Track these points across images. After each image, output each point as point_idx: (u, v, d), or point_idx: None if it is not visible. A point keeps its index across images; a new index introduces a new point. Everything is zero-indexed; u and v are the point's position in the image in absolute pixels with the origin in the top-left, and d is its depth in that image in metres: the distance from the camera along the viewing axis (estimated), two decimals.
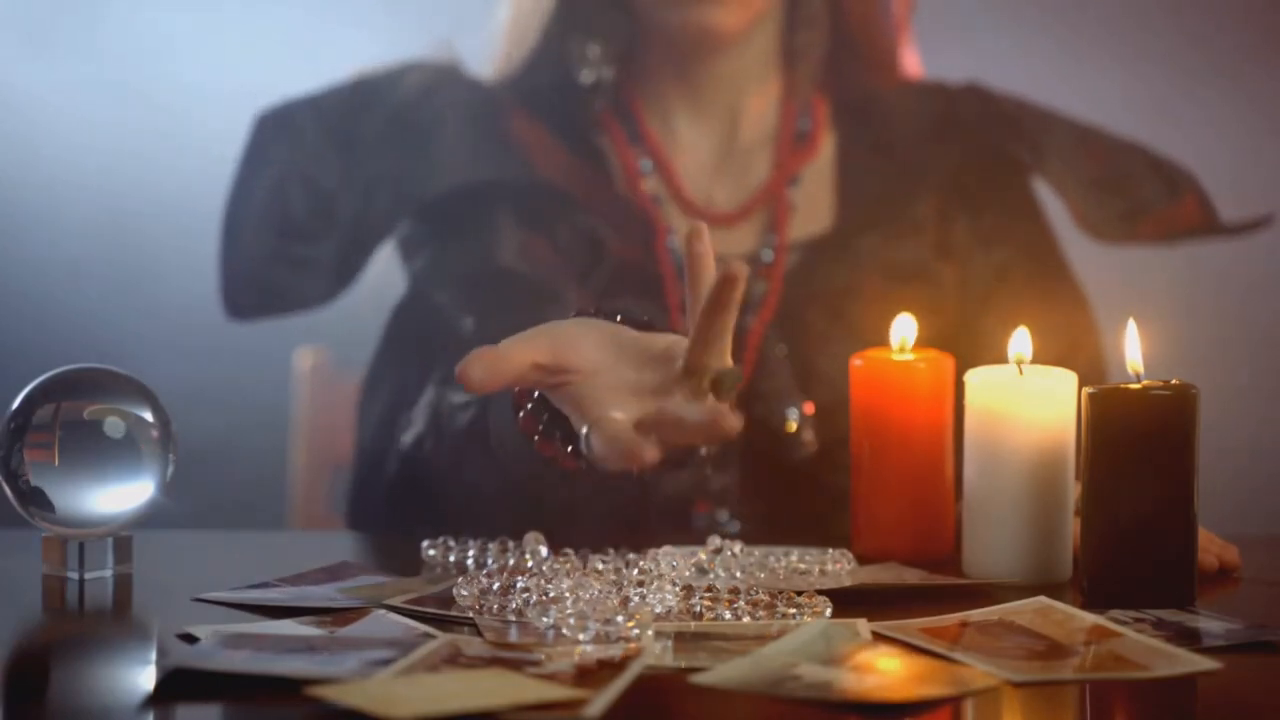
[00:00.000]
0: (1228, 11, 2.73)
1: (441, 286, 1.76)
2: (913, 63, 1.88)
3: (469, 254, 1.77)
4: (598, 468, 1.25)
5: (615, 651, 1.12)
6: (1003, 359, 1.40)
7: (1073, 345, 1.76)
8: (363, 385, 1.83)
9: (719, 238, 1.80)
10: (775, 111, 1.84)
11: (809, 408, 1.73)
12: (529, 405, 1.33)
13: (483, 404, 1.52)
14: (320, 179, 1.79)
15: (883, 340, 1.48)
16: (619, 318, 1.30)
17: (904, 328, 1.47)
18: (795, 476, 1.73)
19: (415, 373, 1.72)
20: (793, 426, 1.73)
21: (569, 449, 1.31)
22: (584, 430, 1.23)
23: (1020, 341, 1.39)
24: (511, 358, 1.23)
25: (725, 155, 1.83)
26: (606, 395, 1.24)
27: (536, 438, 1.33)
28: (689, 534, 1.39)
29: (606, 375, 1.25)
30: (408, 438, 1.67)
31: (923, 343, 1.49)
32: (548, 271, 1.75)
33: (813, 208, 1.82)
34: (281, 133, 1.81)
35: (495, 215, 1.77)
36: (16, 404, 1.33)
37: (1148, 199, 1.81)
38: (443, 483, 1.63)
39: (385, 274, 1.86)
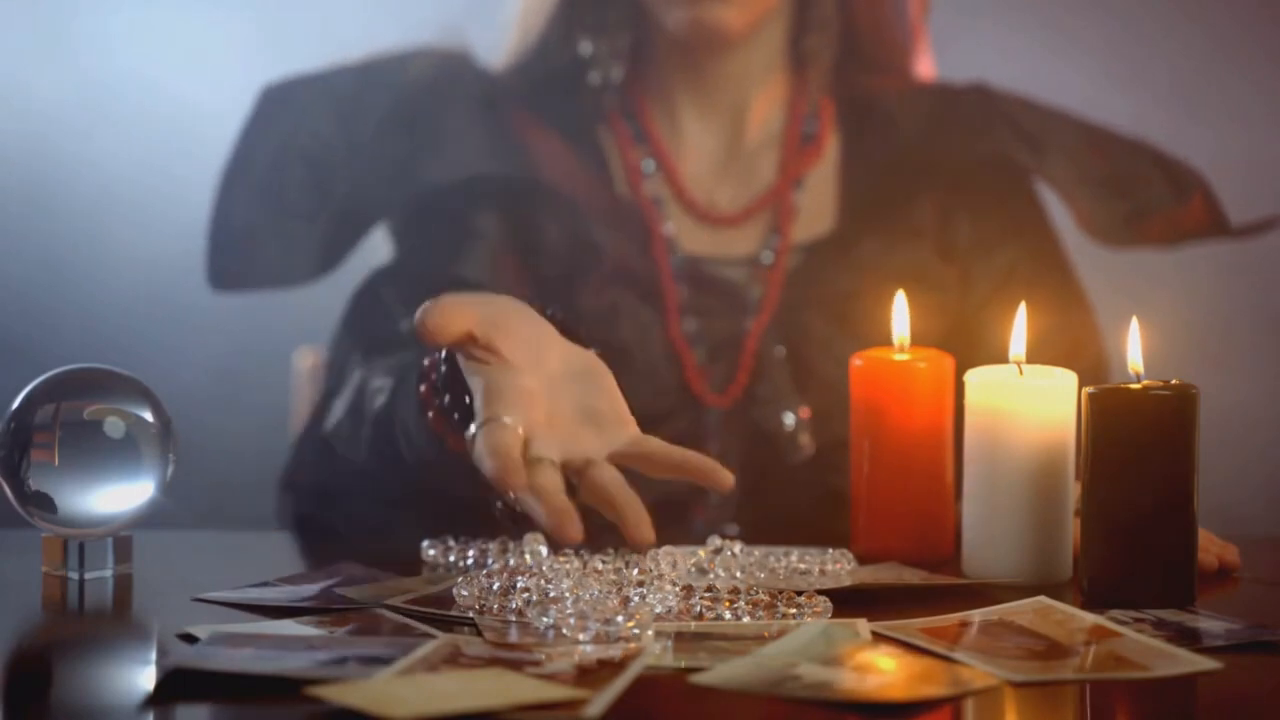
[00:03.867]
0: (1237, 9, 2.73)
1: (392, 283, 1.76)
2: (926, 65, 1.88)
3: (433, 255, 1.76)
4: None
5: (615, 651, 1.12)
6: (1005, 360, 1.40)
7: (1075, 347, 1.76)
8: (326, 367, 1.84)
9: (721, 239, 1.80)
10: (781, 113, 1.83)
11: (805, 412, 1.73)
12: (433, 378, 1.36)
13: (392, 389, 1.53)
14: (319, 156, 1.79)
15: (884, 344, 1.48)
16: (549, 313, 1.32)
17: (900, 310, 1.47)
18: (793, 480, 1.73)
19: (354, 358, 1.72)
20: (789, 429, 1.73)
21: (461, 428, 1.33)
22: (475, 425, 1.24)
23: (1019, 323, 1.39)
24: (458, 316, 1.26)
25: (731, 156, 1.82)
26: (509, 394, 1.25)
27: (431, 413, 1.36)
28: (688, 537, 1.40)
29: (519, 374, 1.26)
30: (329, 423, 1.66)
31: (925, 346, 1.48)
32: (508, 291, 1.74)
33: (816, 210, 1.81)
34: (285, 106, 1.81)
35: (484, 218, 1.76)
36: (16, 404, 1.33)
37: (1154, 200, 1.81)
38: (352, 474, 1.62)
39: None
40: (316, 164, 1.79)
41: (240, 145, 1.81)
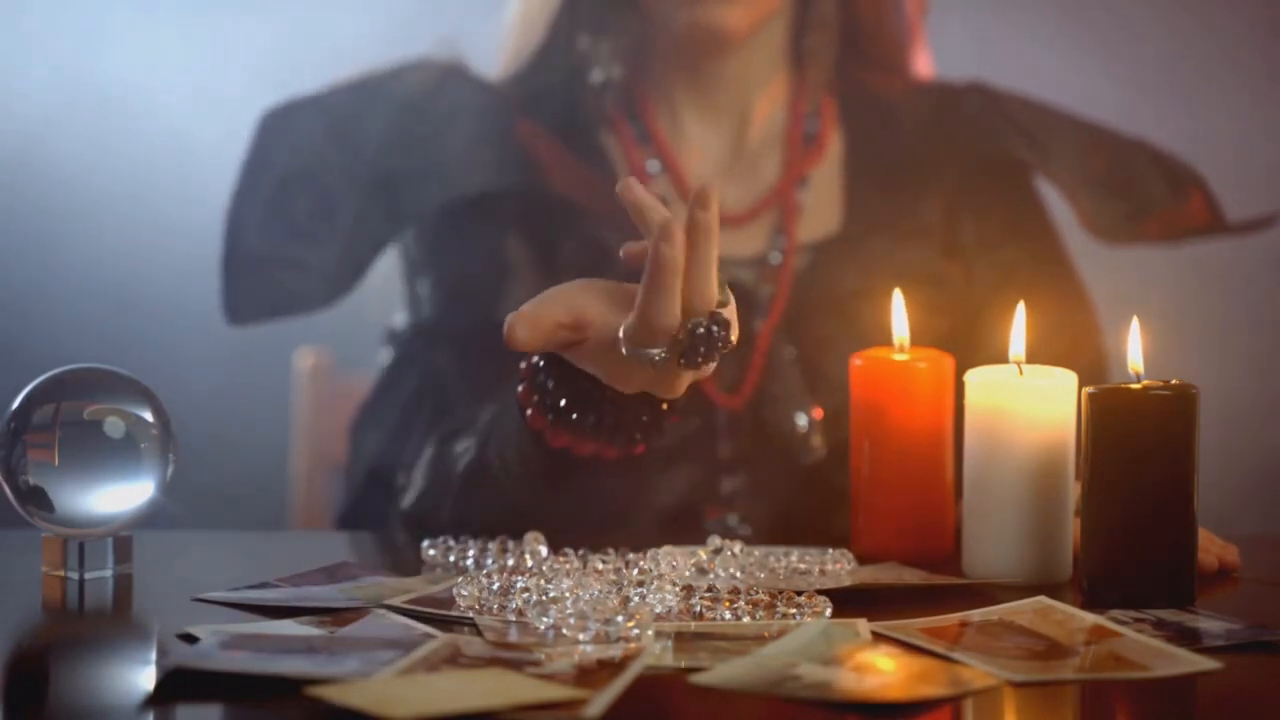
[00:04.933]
0: (1235, 6, 2.73)
1: (445, 343, 1.76)
2: (924, 63, 1.88)
3: (477, 306, 1.75)
4: (615, 427, 1.32)
5: (615, 651, 1.12)
6: (1007, 359, 1.40)
7: (1074, 345, 1.76)
8: (358, 416, 1.82)
9: (728, 240, 1.80)
10: (783, 112, 1.83)
11: (818, 413, 1.73)
12: (535, 398, 1.38)
13: (480, 440, 1.54)
14: (323, 180, 1.78)
15: (890, 343, 1.48)
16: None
17: (898, 309, 1.47)
18: (805, 480, 1.73)
19: (411, 428, 1.73)
20: (802, 430, 1.73)
21: (583, 426, 1.36)
22: (620, 334, 1.28)
23: (1018, 321, 1.39)
24: (545, 316, 1.29)
25: (734, 156, 1.82)
26: (620, 319, 1.29)
27: (530, 410, 1.38)
28: (700, 538, 1.40)
29: (617, 320, 1.30)
30: (409, 499, 1.67)
31: (932, 344, 1.48)
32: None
33: (821, 209, 1.81)
34: (285, 132, 1.80)
35: (506, 244, 1.76)
36: (16, 404, 1.33)
37: (1153, 198, 1.81)
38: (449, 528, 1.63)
39: (387, 275, 1.85)
40: (322, 187, 1.78)
41: (244, 174, 1.80)
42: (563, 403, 1.36)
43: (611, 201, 1.78)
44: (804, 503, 1.73)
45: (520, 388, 1.39)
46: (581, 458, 1.40)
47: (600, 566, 1.26)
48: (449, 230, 1.78)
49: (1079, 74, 2.67)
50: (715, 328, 1.28)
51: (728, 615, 1.22)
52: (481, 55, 1.85)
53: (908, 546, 1.44)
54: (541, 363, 1.37)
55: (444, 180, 1.77)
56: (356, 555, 1.56)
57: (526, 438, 1.43)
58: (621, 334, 1.28)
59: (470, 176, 1.77)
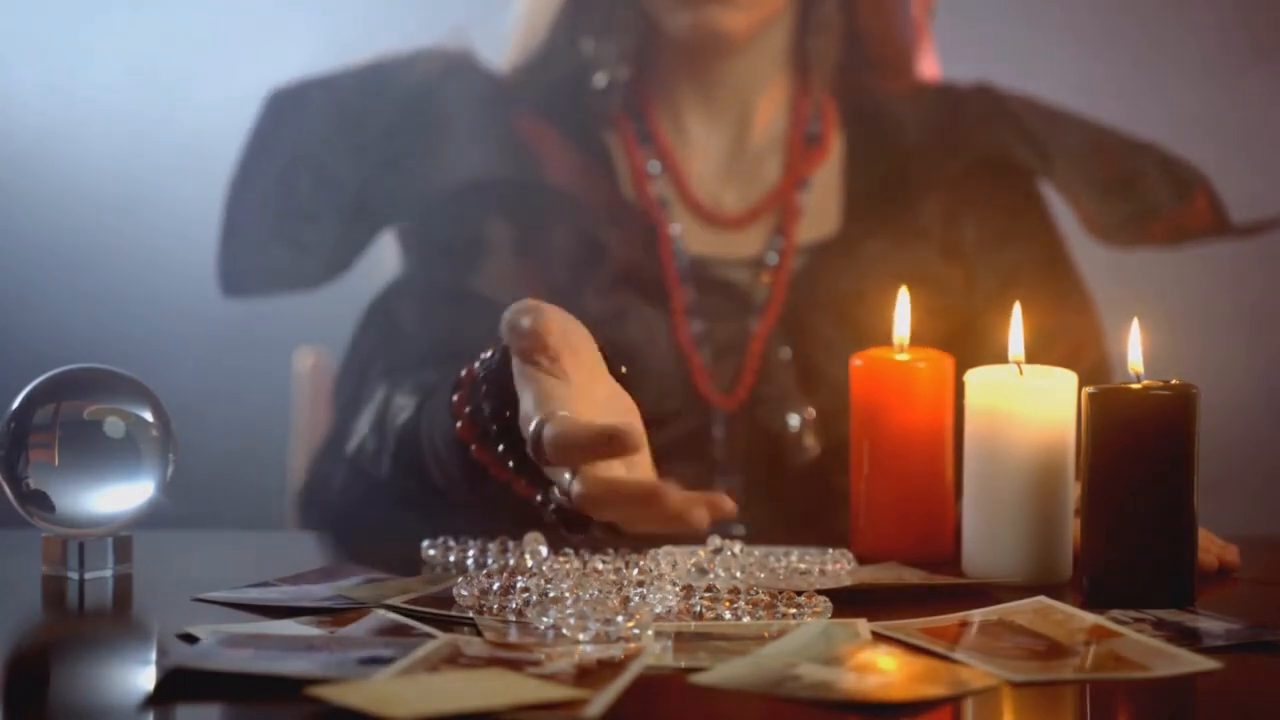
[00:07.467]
0: (1239, 9, 2.73)
1: (410, 297, 1.76)
2: (930, 65, 1.88)
3: (448, 270, 1.76)
4: (536, 468, 1.23)
5: (615, 651, 1.12)
6: (1008, 361, 1.39)
7: (1077, 349, 1.76)
8: (334, 385, 1.84)
9: (726, 240, 1.80)
10: (785, 114, 1.83)
11: (810, 413, 1.73)
12: (467, 410, 1.32)
13: (418, 406, 1.52)
14: (327, 161, 1.79)
15: (888, 344, 1.48)
16: (599, 345, 1.28)
17: (902, 309, 1.47)
18: (801, 480, 1.73)
19: (372, 375, 1.72)
20: (794, 431, 1.73)
21: (506, 460, 1.30)
22: (534, 422, 1.19)
23: (1015, 322, 1.39)
24: (550, 324, 1.22)
25: (735, 157, 1.83)
26: (566, 403, 1.20)
27: (460, 422, 1.32)
28: (700, 538, 1.39)
29: (574, 391, 1.22)
30: (353, 444, 1.66)
31: (932, 346, 1.48)
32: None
33: (820, 211, 1.81)
34: (292, 111, 1.81)
35: (492, 226, 1.76)
36: (16, 404, 1.33)
37: (1158, 200, 1.81)
38: (380, 486, 1.62)
39: (389, 273, 1.86)
40: (324, 167, 1.79)
41: (248, 150, 1.81)
42: (493, 428, 1.30)
43: (606, 198, 1.79)
44: (800, 503, 1.73)
45: (455, 396, 1.34)
46: (499, 478, 1.33)
47: (600, 566, 1.26)
48: (439, 210, 1.79)
49: (1085, 74, 2.67)
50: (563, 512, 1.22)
51: (728, 615, 1.22)
52: (492, 46, 1.85)
53: (908, 546, 1.44)
54: (484, 387, 1.31)
55: (442, 167, 1.77)
56: (356, 555, 1.56)
57: (453, 434, 1.37)
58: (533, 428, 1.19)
59: (468, 164, 1.77)
